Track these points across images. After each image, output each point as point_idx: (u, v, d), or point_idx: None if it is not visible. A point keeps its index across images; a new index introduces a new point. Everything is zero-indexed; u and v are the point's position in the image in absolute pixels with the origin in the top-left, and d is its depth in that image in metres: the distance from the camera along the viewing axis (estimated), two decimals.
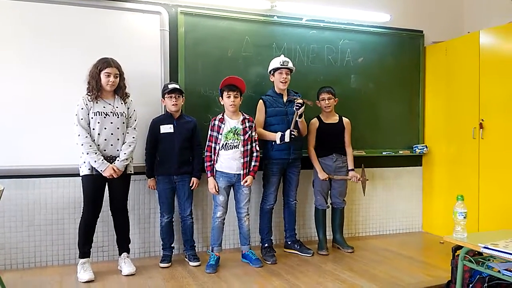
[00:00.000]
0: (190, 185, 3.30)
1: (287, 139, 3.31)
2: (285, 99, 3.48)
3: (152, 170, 3.29)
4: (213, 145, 3.23)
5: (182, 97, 3.28)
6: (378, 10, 4.16)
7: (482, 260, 2.26)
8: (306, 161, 3.70)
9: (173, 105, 3.21)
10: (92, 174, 2.90)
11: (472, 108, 3.83)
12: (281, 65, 3.41)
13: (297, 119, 3.35)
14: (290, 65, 3.44)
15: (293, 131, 3.32)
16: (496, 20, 3.83)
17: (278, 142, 3.35)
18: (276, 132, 3.38)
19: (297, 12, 3.88)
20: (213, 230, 3.28)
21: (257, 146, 3.31)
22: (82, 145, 2.86)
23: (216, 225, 3.26)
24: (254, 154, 3.28)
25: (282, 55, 3.53)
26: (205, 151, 3.27)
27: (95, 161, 2.86)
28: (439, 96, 4.25)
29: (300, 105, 3.32)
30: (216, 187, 3.22)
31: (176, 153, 3.22)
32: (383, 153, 4.23)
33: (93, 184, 2.92)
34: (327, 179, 3.60)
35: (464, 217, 2.35)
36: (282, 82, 3.44)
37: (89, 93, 2.92)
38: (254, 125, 3.33)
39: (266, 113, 3.47)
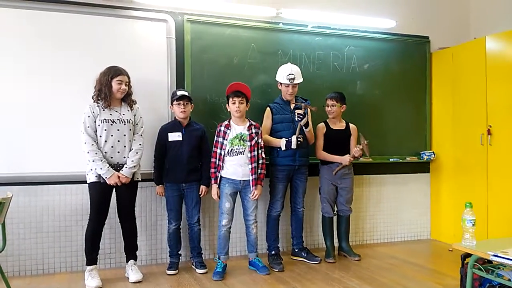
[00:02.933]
0: (199, 193, 3.30)
1: (293, 146, 3.31)
2: (292, 106, 3.48)
3: (161, 177, 3.29)
4: (218, 150, 3.24)
5: (191, 104, 3.29)
6: (383, 16, 4.17)
7: (492, 268, 2.23)
8: (314, 168, 3.69)
9: (181, 112, 3.22)
10: (99, 182, 2.92)
11: (480, 114, 3.81)
12: (289, 82, 3.42)
13: (302, 125, 3.35)
14: (297, 81, 3.43)
15: (299, 137, 3.32)
16: (503, 26, 3.82)
17: (283, 148, 3.35)
18: (281, 138, 3.39)
19: (303, 19, 3.90)
20: (219, 239, 3.27)
21: (263, 153, 3.31)
22: (88, 152, 2.88)
23: (222, 234, 3.25)
24: (260, 161, 3.28)
25: (291, 66, 3.49)
26: (211, 156, 3.28)
27: (101, 169, 2.87)
28: (446, 102, 4.23)
29: (301, 116, 3.31)
30: (218, 194, 3.23)
31: (184, 161, 3.22)
32: (390, 159, 4.21)
33: (100, 191, 2.94)
34: (350, 160, 3.50)
35: (473, 225, 2.32)
36: (288, 94, 3.46)
37: (99, 101, 2.94)
38: (260, 132, 3.33)
39: (273, 120, 3.48)
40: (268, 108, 3.51)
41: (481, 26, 4.38)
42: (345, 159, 3.54)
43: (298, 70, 3.50)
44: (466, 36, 4.43)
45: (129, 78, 3.02)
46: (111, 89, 2.94)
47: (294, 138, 3.32)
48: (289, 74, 3.41)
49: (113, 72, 2.94)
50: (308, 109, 3.43)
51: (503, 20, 4.01)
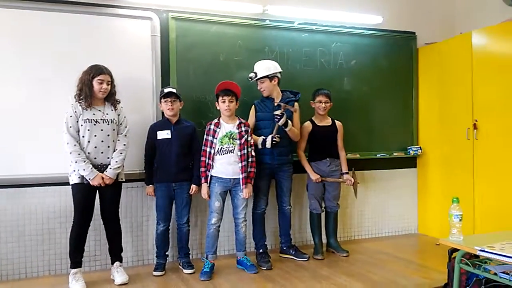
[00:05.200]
0: (189, 191, 3.25)
1: (268, 145, 3.29)
2: (276, 103, 3.44)
3: (151, 177, 3.25)
4: (208, 149, 3.20)
5: (180, 101, 3.24)
6: (370, 12, 4.16)
7: (479, 263, 2.24)
8: (299, 165, 3.67)
9: (168, 109, 3.18)
10: (82, 183, 2.86)
11: (466, 109, 3.83)
12: (248, 80, 3.42)
13: (280, 125, 3.30)
14: (261, 74, 3.38)
15: (275, 138, 3.29)
16: (488, 21, 3.84)
17: (259, 146, 3.33)
18: (262, 136, 3.36)
19: (289, 15, 3.87)
20: (208, 238, 3.24)
21: (252, 151, 3.28)
22: (70, 153, 2.82)
23: (211, 232, 3.22)
24: (250, 160, 3.25)
25: (256, 64, 3.47)
26: (201, 155, 3.23)
27: (84, 170, 2.82)
28: (432, 97, 4.25)
29: (279, 117, 3.27)
30: (208, 193, 3.19)
31: (174, 160, 3.18)
32: (378, 155, 4.21)
33: (83, 192, 2.88)
34: (319, 181, 3.57)
35: (460, 220, 2.33)
36: (261, 91, 3.45)
37: (80, 101, 2.88)
38: (250, 130, 3.30)
39: (256, 117, 3.46)
40: (253, 105, 3.49)
41: (467, 21, 4.40)
42: (315, 176, 3.56)
43: (264, 64, 3.43)
44: (452, 32, 4.44)
45: (111, 77, 2.96)
46: (92, 88, 2.88)
47: (269, 138, 3.29)
48: (252, 73, 3.41)
49: (95, 71, 2.88)
50: (290, 108, 3.37)
51: (489, 15, 4.03)
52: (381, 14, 4.19)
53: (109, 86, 2.94)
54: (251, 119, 3.47)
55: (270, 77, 3.40)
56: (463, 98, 3.85)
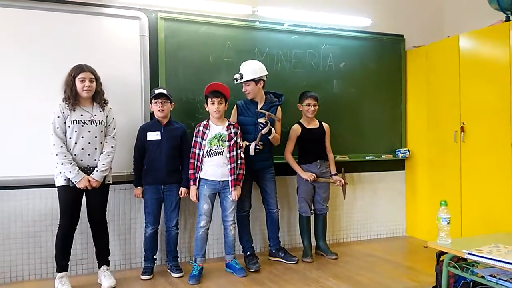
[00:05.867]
0: (179, 194, 3.22)
1: (251, 152, 3.26)
2: (259, 106, 3.41)
3: (140, 178, 3.21)
4: (197, 151, 3.18)
5: (170, 102, 3.21)
6: (358, 14, 4.18)
7: (467, 266, 2.26)
8: (283, 167, 3.66)
9: (159, 110, 3.15)
10: (68, 185, 2.81)
11: (453, 112, 3.86)
12: (233, 82, 3.38)
13: (263, 134, 3.28)
14: (247, 77, 3.33)
15: (258, 145, 3.27)
16: (475, 24, 3.88)
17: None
18: (245, 141, 3.32)
19: (279, 17, 3.86)
20: (197, 241, 3.21)
21: (241, 153, 3.26)
22: (57, 155, 2.77)
23: (199, 235, 3.19)
24: (239, 162, 3.23)
25: (243, 65, 3.43)
26: (189, 157, 3.20)
27: (70, 172, 2.77)
28: (420, 100, 4.28)
29: (263, 125, 3.25)
30: (196, 196, 3.16)
31: (164, 162, 3.15)
32: (366, 157, 4.23)
33: (70, 195, 2.83)
34: (312, 178, 3.53)
35: (448, 223, 2.35)
36: (245, 94, 3.42)
37: (66, 102, 2.84)
38: (239, 132, 3.28)
39: (238, 120, 3.42)
40: (235, 106, 3.46)
41: (455, 25, 4.44)
42: (307, 175, 3.52)
43: (251, 66, 3.39)
44: (440, 35, 4.48)
45: (94, 74, 2.91)
46: (76, 88, 2.84)
47: (252, 146, 3.26)
48: (236, 75, 3.37)
49: (75, 70, 2.84)
50: (273, 117, 3.34)
51: (476, 19, 4.07)
52: (370, 16, 4.21)
53: (93, 83, 2.89)
54: (233, 119, 3.43)
55: (256, 80, 3.37)
56: (451, 101, 3.89)
